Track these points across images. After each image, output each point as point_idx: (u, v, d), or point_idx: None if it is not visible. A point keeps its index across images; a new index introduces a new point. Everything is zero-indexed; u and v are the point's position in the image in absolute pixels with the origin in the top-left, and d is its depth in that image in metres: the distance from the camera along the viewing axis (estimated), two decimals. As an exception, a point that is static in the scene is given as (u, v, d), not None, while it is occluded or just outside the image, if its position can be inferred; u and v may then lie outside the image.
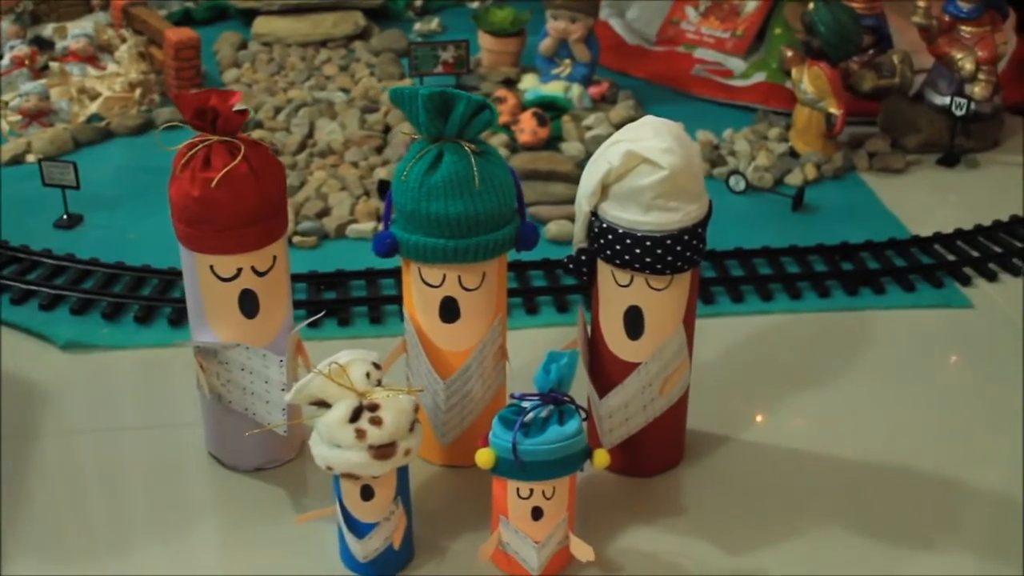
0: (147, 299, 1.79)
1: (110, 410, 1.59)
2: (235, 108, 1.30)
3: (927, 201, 2.18)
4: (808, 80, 2.24)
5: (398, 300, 1.78)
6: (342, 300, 1.80)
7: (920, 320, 1.81)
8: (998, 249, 1.98)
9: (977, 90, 2.27)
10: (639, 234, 1.31)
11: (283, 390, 1.37)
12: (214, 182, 1.28)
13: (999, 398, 1.64)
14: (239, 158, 1.29)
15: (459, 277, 1.36)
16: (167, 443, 1.53)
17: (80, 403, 1.60)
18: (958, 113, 2.24)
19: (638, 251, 1.32)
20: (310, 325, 1.42)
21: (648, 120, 1.34)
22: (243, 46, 2.74)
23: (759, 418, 1.60)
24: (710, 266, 1.90)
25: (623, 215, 1.32)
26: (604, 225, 1.34)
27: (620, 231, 1.32)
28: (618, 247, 1.33)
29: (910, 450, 1.53)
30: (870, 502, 1.45)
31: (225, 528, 1.40)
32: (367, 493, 1.26)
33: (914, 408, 1.62)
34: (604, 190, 1.33)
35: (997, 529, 1.41)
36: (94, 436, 1.54)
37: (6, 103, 2.39)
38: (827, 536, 1.39)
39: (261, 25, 2.77)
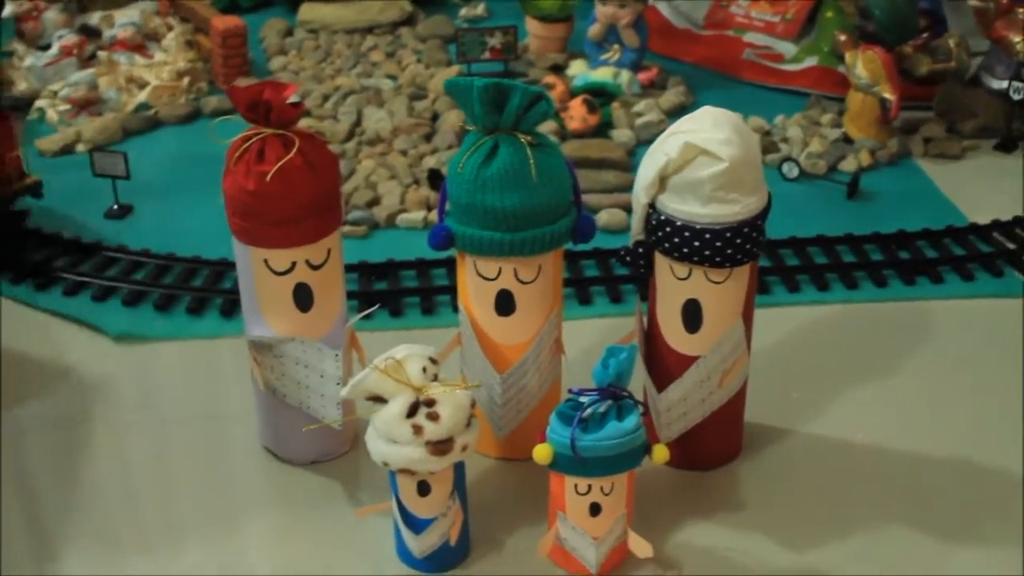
0: (199, 290, 1.78)
1: (163, 402, 1.59)
2: (289, 101, 1.29)
3: (984, 187, 2.14)
4: (862, 65, 2.20)
5: (450, 290, 1.76)
6: (393, 291, 1.78)
7: (980, 310, 1.78)
8: (1059, 237, 1.95)
9: (1035, 74, 2.22)
10: (698, 227, 1.29)
11: (338, 384, 1.36)
12: (269, 176, 1.27)
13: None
14: (293, 151, 1.28)
15: (515, 270, 1.35)
16: (221, 435, 1.52)
17: (133, 395, 1.60)
18: (1016, 98, 2.20)
19: (697, 244, 1.29)
20: (364, 317, 1.41)
21: (706, 110, 1.31)
22: (289, 33, 2.73)
23: (816, 410, 1.58)
24: (764, 255, 1.88)
25: (682, 207, 1.30)
26: (662, 217, 1.32)
27: (679, 224, 1.30)
28: (676, 240, 1.31)
29: (970, 444, 1.50)
30: (929, 497, 1.42)
31: (281, 521, 1.39)
32: (424, 489, 1.25)
33: (975, 400, 1.59)
34: (662, 182, 1.31)
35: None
36: (147, 428, 1.54)
37: (55, 93, 2.39)
38: (886, 532, 1.37)
39: (307, 12, 2.76)
